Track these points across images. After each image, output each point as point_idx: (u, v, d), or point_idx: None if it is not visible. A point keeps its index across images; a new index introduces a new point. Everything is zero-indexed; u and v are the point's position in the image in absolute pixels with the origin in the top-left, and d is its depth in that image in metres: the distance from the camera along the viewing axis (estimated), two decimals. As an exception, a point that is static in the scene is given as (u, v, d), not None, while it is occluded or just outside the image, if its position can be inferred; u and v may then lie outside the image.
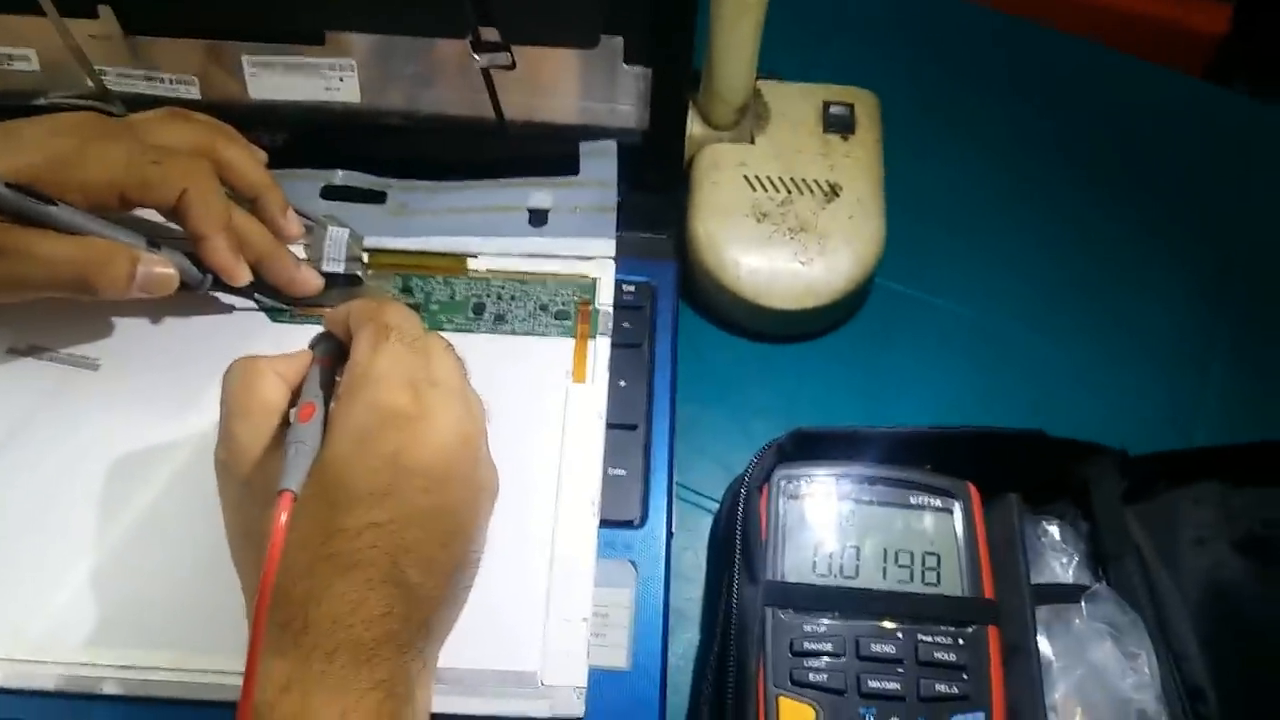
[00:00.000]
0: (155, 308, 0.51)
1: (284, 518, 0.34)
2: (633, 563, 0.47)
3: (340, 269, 0.52)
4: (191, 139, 0.49)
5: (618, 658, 0.45)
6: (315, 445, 0.37)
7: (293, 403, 0.40)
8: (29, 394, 0.49)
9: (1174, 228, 0.64)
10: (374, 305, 0.41)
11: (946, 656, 0.43)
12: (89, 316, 0.51)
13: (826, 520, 0.47)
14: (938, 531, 0.47)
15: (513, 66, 0.53)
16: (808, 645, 0.43)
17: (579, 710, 0.43)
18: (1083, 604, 0.46)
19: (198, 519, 0.45)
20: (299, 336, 0.46)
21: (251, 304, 0.52)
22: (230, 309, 0.52)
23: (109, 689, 0.43)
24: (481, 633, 0.43)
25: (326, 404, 0.39)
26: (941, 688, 0.43)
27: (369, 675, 0.34)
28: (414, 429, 0.36)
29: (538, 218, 0.55)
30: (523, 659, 0.44)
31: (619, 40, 0.52)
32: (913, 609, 0.44)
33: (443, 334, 0.50)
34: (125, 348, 0.50)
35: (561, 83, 0.54)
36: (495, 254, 0.54)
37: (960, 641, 0.44)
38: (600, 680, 0.44)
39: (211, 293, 0.50)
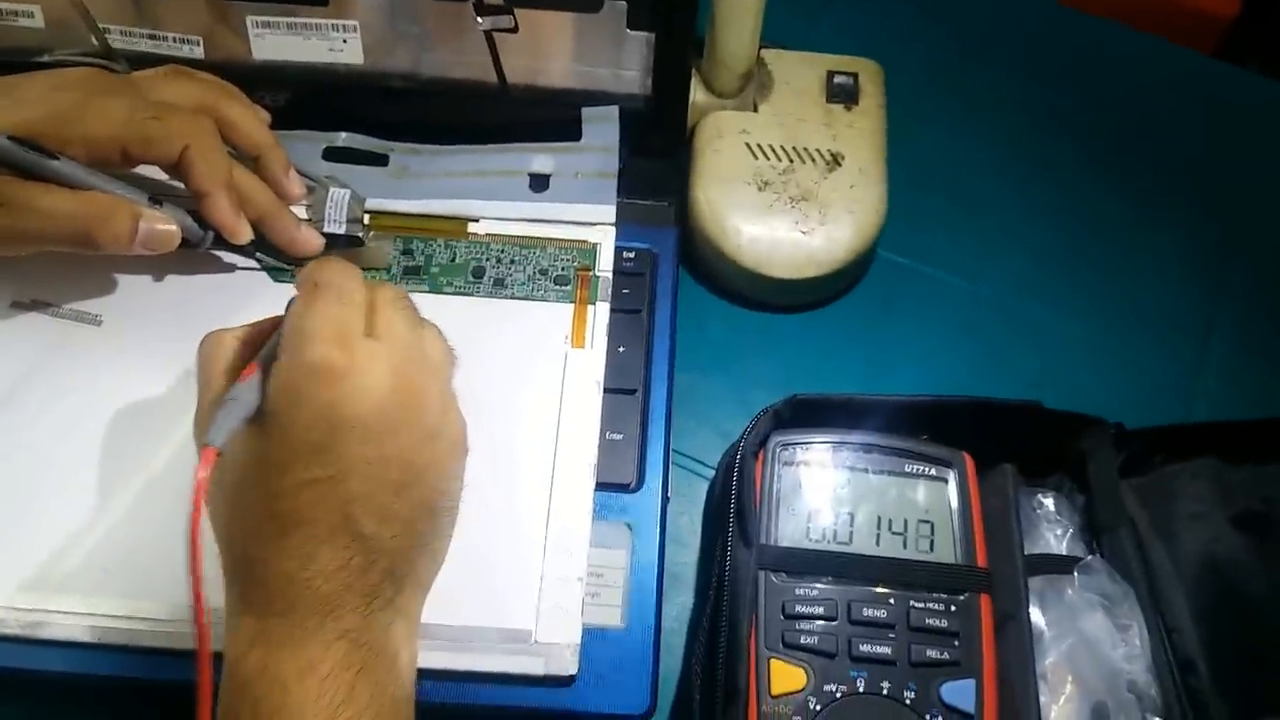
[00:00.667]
0: (157, 265, 0.51)
1: (203, 473, 0.34)
2: (628, 525, 0.47)
3: (341, 230, 0.52)
4: (194, 96, 0.49)
5: (612, 617, 0.45)
6: (250, 403, 0.36)
7: None
8: (31, 348, 0.49)
9: (1178, 202, 0.64)
10: (313, 265, 0.40)
11: (938, 623, 0.43)
12: (92, 272, 0.51)
13: (821, 487, 0.47)
14: (932, 500, 0.47)
15: (515, 30, 0.53)
16: (800, 609, 0.43)
17: (572, 668, 0.43)
18: (1075, 575, 0.47)
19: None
20: (299, 297, 0.46)
21: (253, 263, 0.52)
22: (232, 268, 0.52)
23: (110, 639, 0.43)
24: (477, 590, 0.44)
25: None
26: (932, 653, 0.43)
27: (333, 626, 0.35)
28: (346, 382, 0.36)
29: (539, 183, 0.55)
30: (518, 617, 0.44)
31: (622, 5, 0.51)
32: (905, 575, 0.45)
33: (443, 297, 0.51)
34: (127, 304, 0.51)
35: (564, 47, 0.54)
36: (496, 218, 0.54)
37: (952, 609, 0.44)
38: (594, 639, 0.44)
39: (213, 251, 0.50)
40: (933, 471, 0.47)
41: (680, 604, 0.50)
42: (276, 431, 0.36)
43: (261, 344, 0.40)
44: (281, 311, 0.41)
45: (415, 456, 0.37)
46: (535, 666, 0.43)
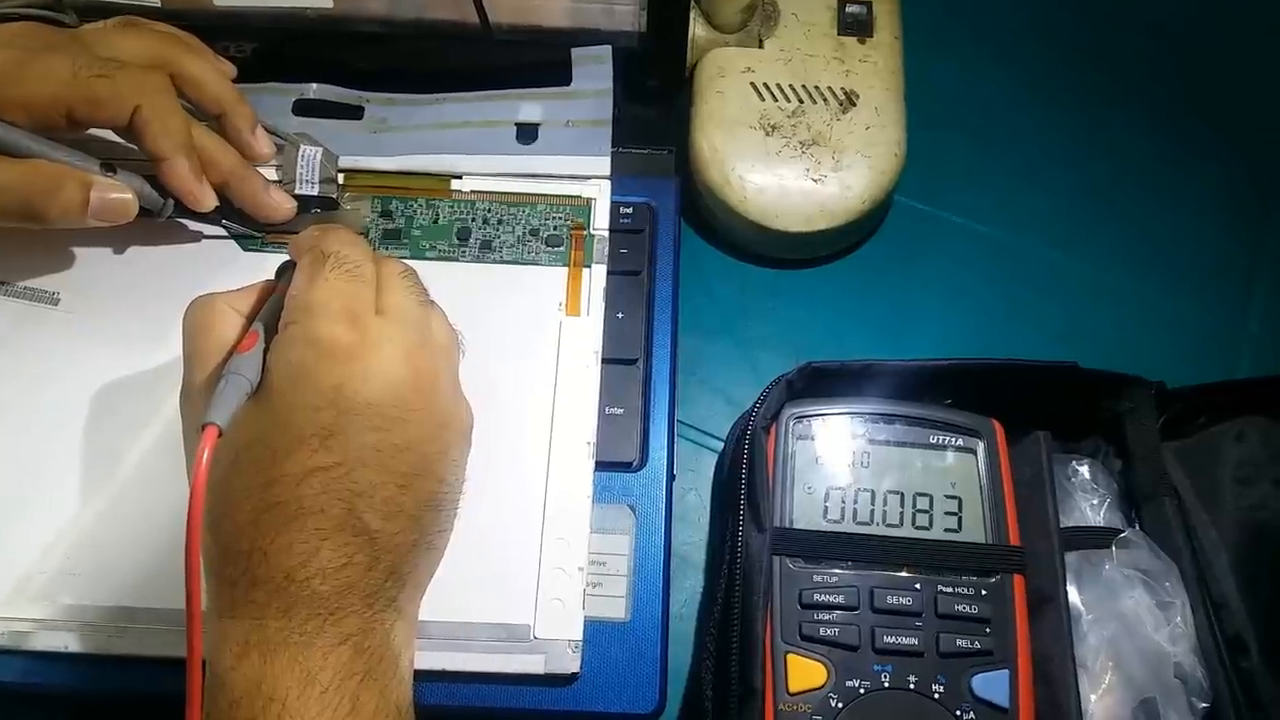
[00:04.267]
0: (116, 236, 0.48)
1: (206, 455, 0.31)
2: (631, 507, 0.44)
3: (314, 191, 0.49)
4: (147, 50, 0.45)
5: (616, 609, 0.43)
6: (252, 377, 0.34)
7: None
8: (-18, 331, 0.46)
9: (1214, 140, 0.60)
10: (315, 233, 0.38)
11: (968, 608, 0.41)
12: (45, 247, 0.47)
13: (839, 462, 0.44)
14: (959, 473, 0.44)
15: (496, -37, 0.49)
16: (818, 597, 0.41)
17: (574, 665, 0.41)
18: (1114, 549, 0.43)
19: (165, 463, 0.43)
20: (272, 266, 0.43)
21: (220, 231, 0.48)
22: (198, 237, 0.49)
23: (72, 645, 0.40)
24: (470, 584, 0.41)
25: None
26: (963, 643, 0.40)
27: (334, 631, 0.32)
28: (356, 362, 0.34)
29: (527, 133, 0.52)
30: (514, 611, 0.41)
31: (612, -68, 0.47)
32: (932, 557, 0.42)
33: (425, 263, 0.48)
34: (86, 280, 0.47)
35: None
36: (481, 174, 0.51)
37: (983, 592, 0.41)
38: (597, 633, 0.42)
39: (175, 219, 0.47)
40: (959, 442, 0.44)
41: (689, 589, 0.47)
42: (278, 412, 0.33)
43: (257, 310, 0.37)
44: (259, 280, 0.39)
45: (426, 446, 0.35)
46: (535, 665, 0.41)
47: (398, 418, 0.34)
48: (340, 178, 0.50)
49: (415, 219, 0.49)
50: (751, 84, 0.54)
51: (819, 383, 0.45)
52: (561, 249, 0.49)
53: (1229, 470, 0.46)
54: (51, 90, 0.41)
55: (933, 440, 0.44)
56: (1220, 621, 0.43)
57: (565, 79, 0.52)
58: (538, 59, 0.52)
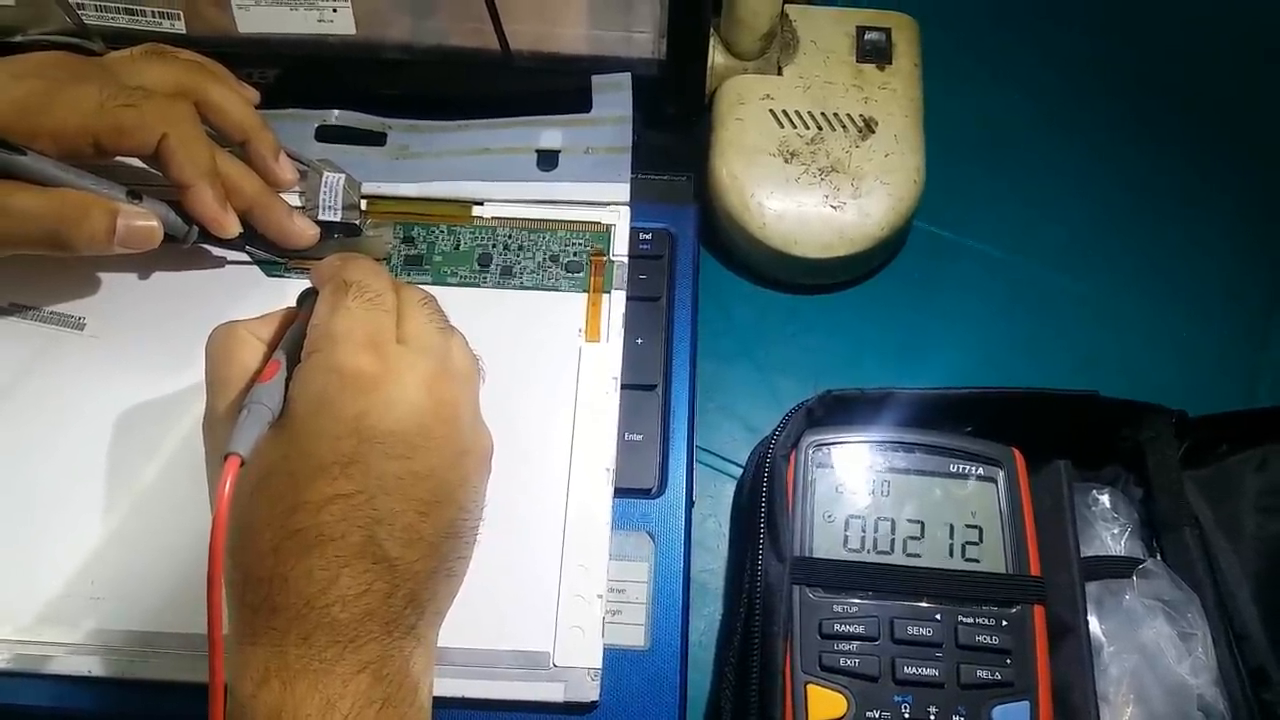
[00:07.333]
0: (141, 262, 0.48)
1: (228, 485, 0.31)
2: (650, 534, 0.44)
3: (337, 217, 0.49)
4: (173, 78, 0.46)
5: (635, 637, 0.42)
6: (274, 407, 0.34)
7: None
8: (9, 355, 0.46)
9: (1231, 166, 0.60)
10: (336, 262, 0.38)
11: (989, 639, 0.41)
12: (72, 272, 0.48)
13: (859, 490, 0.44)
14: (980, 502, 0.44)
15: (516, -10, 0.49)
16: (838, 627, 0.41)
17: (594, 694, 0.40)
18: (1134, 579, 0.43)
19: (189, 488, 0.43)
20: (294, 292, 0.43)
21: (243, 257, 0.49)
22: (222, 262, 0.49)
23: (95, 670, 0.40)
24: (489, 610, 0.41)
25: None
26: (983, 674, 0.40)
27: (354, 658, 0.32)
28: (378, 390, 0.34)
29: (547, 160, 0.52)
30: (534, 638, 0.41)
31: (632, -40, 0.48)
32: (952, 587, 0.41)
33: (447, 289, 0.48)
34: (111, 306, 0.48)
35: (570, 8, 0.51)
36: (502, 200, 0.51)
37: (1004, 623, 0.41)
38: (616, 661, 0.42)
39: (200, 245, 0.47)
40: (980, 471, 0.44)
41: (708, 616, 0.47)
42: (300, 440, 0.33)
43: (279, 338, 0.37)
44: (282, 306, 0.39)
45: (447, 474, 0.35)
46: (554, 693, 0.40)
47: (419, 445, 0.34)
48: (363, 204, 0.50)
49: (437, 245, 0.50)
50: (770, 111, 0.54)
51: (839, 410, 0.45)
52: (581, 275, 0.49)
53: (1250, 499, 0.46)
54: (79, 120, 0.42)
55: (953, 469, 0.44)
56: (1242, 653, 0.43)
57: (585, 106, 0.52)
58: (558, 86, 0.52)
